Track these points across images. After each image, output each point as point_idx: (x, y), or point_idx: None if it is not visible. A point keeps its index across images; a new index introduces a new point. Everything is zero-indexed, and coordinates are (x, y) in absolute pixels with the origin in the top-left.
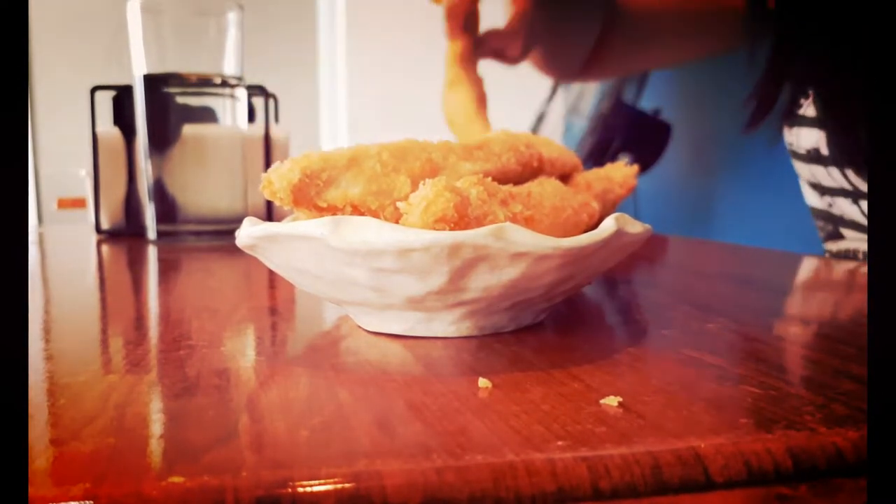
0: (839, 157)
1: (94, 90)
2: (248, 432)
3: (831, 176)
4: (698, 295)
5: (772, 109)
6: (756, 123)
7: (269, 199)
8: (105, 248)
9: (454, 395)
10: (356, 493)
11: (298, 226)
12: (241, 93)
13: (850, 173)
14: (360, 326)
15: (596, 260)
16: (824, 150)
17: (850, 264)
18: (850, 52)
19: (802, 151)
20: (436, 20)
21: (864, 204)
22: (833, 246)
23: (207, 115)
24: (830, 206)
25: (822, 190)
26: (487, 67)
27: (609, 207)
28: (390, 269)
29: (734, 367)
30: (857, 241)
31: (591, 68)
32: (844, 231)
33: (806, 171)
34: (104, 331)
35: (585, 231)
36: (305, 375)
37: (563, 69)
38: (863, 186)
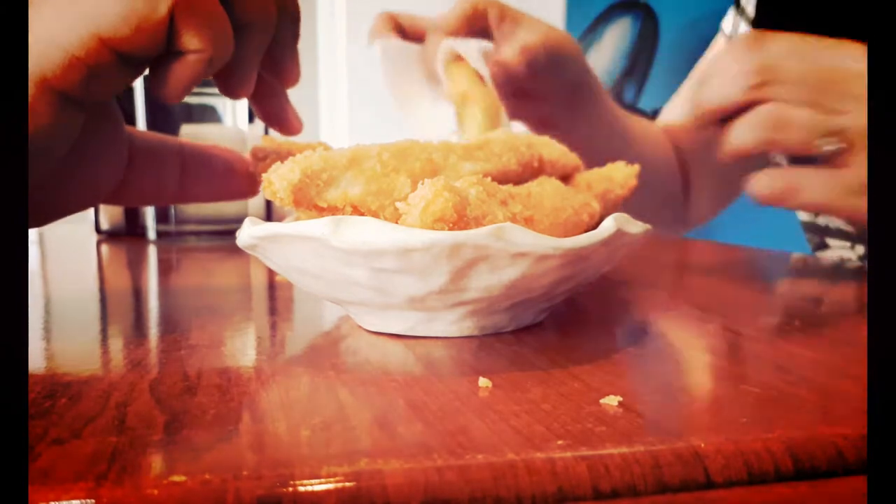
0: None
1: None
2: (249, 432)
3: None
4: (698, 295)
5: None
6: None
7: (270, 199)
8: (105, 248)
9: (455, 394)
10: (357, 493)
11: (299, 226)
12: None
13: None
14: (360, 326)
15: (596, 260)
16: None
17: (850, 265)
18: None
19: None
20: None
21: None
22: (821, 256)
23: (209, 115)
24: (816, 215)
25: None
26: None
27: (610, 207)
28: (391, 268)
29: (734, 366)
30: (840, 249)
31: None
32: (829, 241)
33: None
34: (104, 330)
35: (586, 231)
36: (306, 375)
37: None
38: None
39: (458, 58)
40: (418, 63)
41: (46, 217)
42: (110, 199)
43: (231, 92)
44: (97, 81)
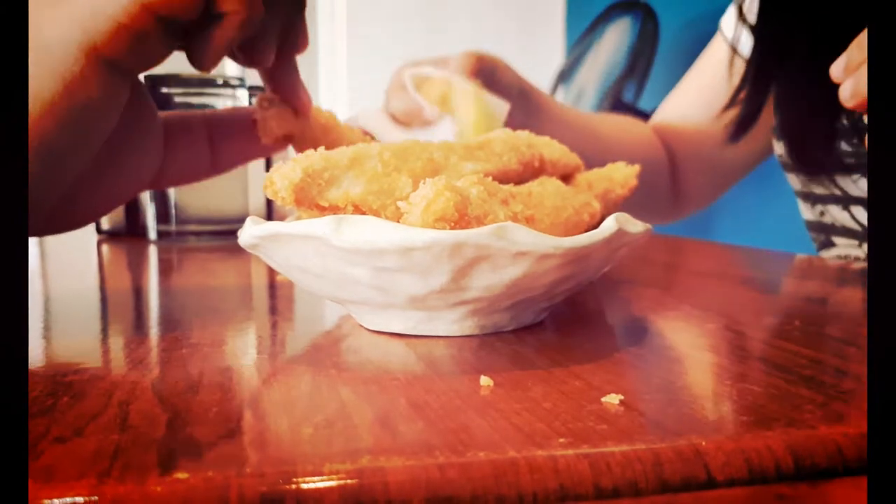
0: (797, 164)
1: None
2: (251, 429)
3: (821, 183)
4: (698, 295)
5: (755, 120)
6: (739, 134)
7: (272, 198)
8: (105, 248)
9: (456, 393)
10: (359, 490)
11: (301, 225)
12: (243, 93)
13: (839, 178)
14: (361, 325)
15: (597, 259)
16: None
17: (850, 265)
18: (813, 61)
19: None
20: (436, 20)
21: (855, 209)
22: (826, 254)
23: None
24: (822, 214)
25: (814, 199)
26: (508, 23)
27: (610, 207)
28: (392, 267)
29: (734, 365)
30: (847, 248)
31: (679, 210)
32: (836, 239)
33: (797, 182)
34: (105, 330)
35: (586, 231)
36: (308, 374)
37: None
38: (851, 190)
39: (422, 81)
40: (390, 118)
41: (93, 213)
42: (152, 185)
43: (254, 60)
44: (141, 48)
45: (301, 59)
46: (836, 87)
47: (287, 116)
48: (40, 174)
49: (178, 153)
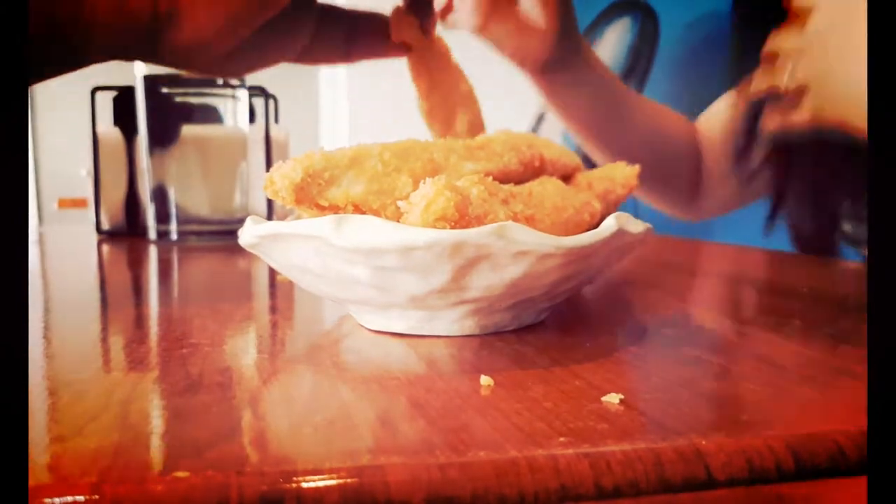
0: (799, 249)
1: (94, 91)
2: (251, 429)
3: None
4: (699, 294)
5: (784, 203)
6: (774, 219)
7: (272, 198)
8: (105, 248)
9: (456, 392)
10: (360, 489)
11: (301, 224)
12: (243, 93)
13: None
14: (361, 325)
15: (597, 259)
16: None
17: (849, 264)
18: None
19: None
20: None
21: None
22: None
23: (211, 115)
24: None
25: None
26: (489, 66)
27: (610, 207)
28: (392, 267)
29: (735, 364)
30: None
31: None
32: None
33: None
34: (105, 330)
35: (587, 230)
36: (308, 373)
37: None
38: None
39: None
40: None
41: (250, 68)
42: (297, 59)
43: None
44: None
45: (300, 69)
46: (839, 177)
47: (415, 26)
48: (228, 26)
49: (323, 38)
